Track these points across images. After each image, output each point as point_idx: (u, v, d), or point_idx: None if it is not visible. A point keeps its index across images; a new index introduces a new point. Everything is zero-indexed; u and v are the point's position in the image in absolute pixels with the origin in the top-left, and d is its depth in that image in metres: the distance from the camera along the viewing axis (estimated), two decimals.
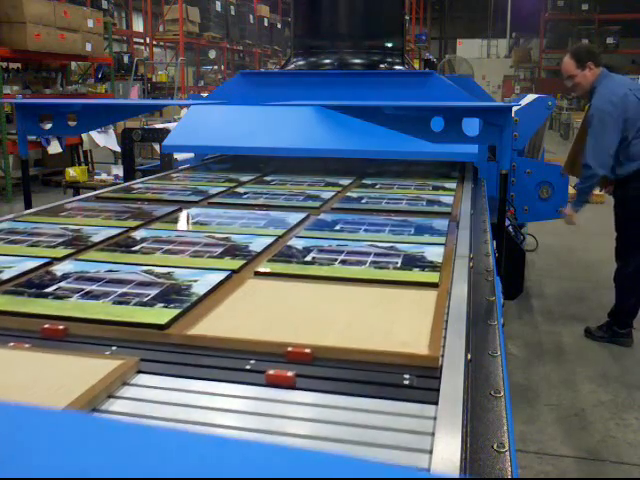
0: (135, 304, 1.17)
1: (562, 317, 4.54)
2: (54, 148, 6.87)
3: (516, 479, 0.78)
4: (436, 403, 0.84)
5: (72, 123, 2.48)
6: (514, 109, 2.23)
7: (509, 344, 3.98)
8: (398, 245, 1.62)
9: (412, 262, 1.46)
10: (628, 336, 3.95)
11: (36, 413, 0.44)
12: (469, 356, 1.01)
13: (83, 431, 0.42)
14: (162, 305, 1.16)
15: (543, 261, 5.84)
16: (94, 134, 6.18)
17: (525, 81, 22.47)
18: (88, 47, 9.25)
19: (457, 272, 1.40)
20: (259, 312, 1.16)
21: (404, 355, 0.96)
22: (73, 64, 11.53)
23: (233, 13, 17.34)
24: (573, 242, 6.46)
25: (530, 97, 3.93)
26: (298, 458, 0.38)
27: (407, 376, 0.92)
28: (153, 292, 1.24)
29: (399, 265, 1.44)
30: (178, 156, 3.63)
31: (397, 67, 3.70)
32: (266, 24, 19.65)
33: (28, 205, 2.32)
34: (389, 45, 3.73)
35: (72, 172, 5.61)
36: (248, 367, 0.95)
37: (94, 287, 1.27)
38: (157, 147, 4.54)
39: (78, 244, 1.63)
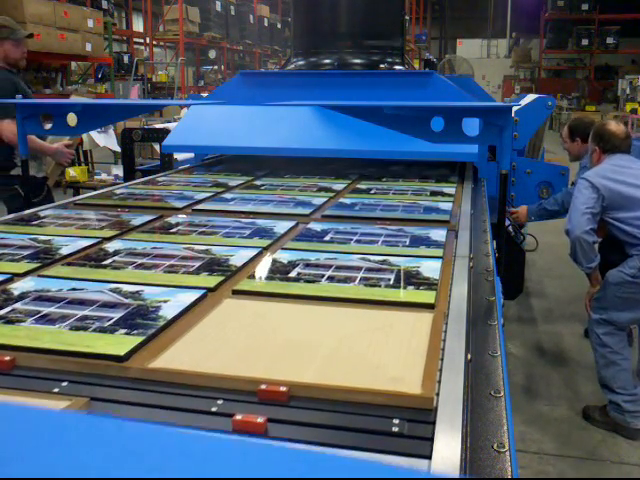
0: (94, 330, 1.05)
1: (562, 317, 4.54)
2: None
3: (516, 479, 0.78)
4: (429, 457, 0.73)
5: (72, 123, 2.48)
6: (514, 109, 2.23)
7: (509, 344, 3.98)
8: (392, 259, 1.49)
9: (406, 279, 1.34)
10: (628, 336, 3.96)
11: (36, 413, 0.44)
12: (469, 356, 1.01)
13: (83, 431, 0.42)
14: (124, 332, 1.04)
15: (543, 261, 5.84)
16: (94, 134, 6.17)
17: (525, 81, 22.48)
18: (88, 47, 9.26)
19: (455, 291, 1.27)
20: (233, 340, 1.04)
21: (393, 394, 0.85)
22: (73, 64, 11.54)
23: (233, 13, 17.36)
24: None
25: (530, 97, 3.93)
26: (298, 458, 0.38)
27: (396, 421, 0.80)
28: (117, 315, 1.12)
29: (392, 282, 1.32)
30: (178, 156, 3.63)
31: (397, 67, 3.70)
32: (266, 24, 19.66)
33: (28, 205, 2.32)
34: (389, 45, 3.73)
35: (72, 172, 5.61)
36: (214, 409, 0.84)
37: (52, 309, 1.15)
38: (157, 147, 4.54)
39: (45, 257, 1.51)
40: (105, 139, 6.34)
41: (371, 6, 3.67)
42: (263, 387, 0.86)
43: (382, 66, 3.64)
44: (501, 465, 0.80)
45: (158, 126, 4.47)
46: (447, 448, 0.73)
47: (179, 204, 2.22)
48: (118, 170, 5.58)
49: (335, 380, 0.88)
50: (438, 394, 0.84)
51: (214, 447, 0.39)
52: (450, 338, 1.03)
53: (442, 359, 0.95)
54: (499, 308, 1.39)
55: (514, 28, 24.77)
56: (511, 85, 21.78)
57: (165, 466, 0.37)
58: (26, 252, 1.56)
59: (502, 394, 0.97)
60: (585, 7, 19.58)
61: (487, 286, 1.52)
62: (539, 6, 21.14)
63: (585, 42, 19.93)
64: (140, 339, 1.01)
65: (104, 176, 5.95)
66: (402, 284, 1.31)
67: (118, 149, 6.22)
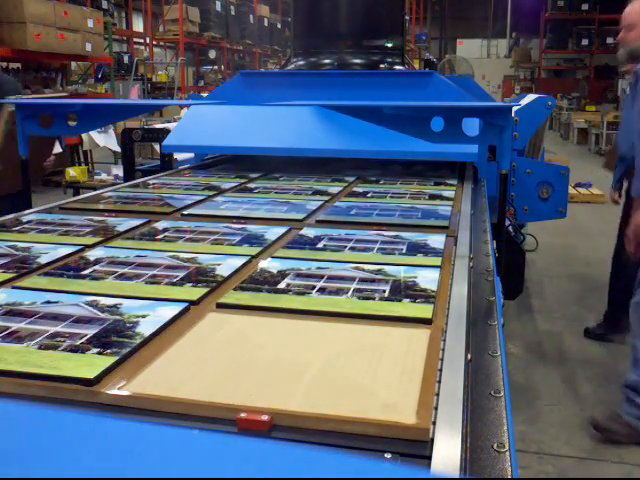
0: (64, 349, 0.97)
1: (562, 317, 4.55)
2: (55, 148, 6.87)
3: (516, 479, 0.78)
4: None
5: (72, 123, 2.48)
6: (514, 109, 2.23)
7: (509, 344, 3.99)
8: (387, 268, 1.43)
9: (402, 290, 1.28)
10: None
11: (36, 413, 0.44)
12: (469, 356, 1.01)
13: (83, 431, 0.42)
14: (97, 351, 0.96)
15: (543, 261, 5.85)
16: (94, 134, 6.18)
17: (525, 81, 22.49)
18: (88, 47, 9.27)
19: (454, 303, 1.20)
20: (213, 360, 0.98)
21: (384, 425, 0.78)
22: (73, 64, 11.56)
23: (233, 13, 17.37)
24: (573, 241, 6.47)
25: (530, 97, 3.93)
26: (298, 457, 0.38)
27: (388, 456, 0.75)
28: (91, 332, 1.04)
29: (386, 294, 1.25)
30: (178, 156, 3.62)
31: (397, 67, 3.70)
32: (266, 24, 19.68)
33: (28, 205, 2.32)
34: (389, 45, 3.74)
35: (72, 172, 5.62)
36: None
37: (22, 325, 1.07)
38: (157, 147, 4.54)
39: (21, 267, 1.44)
40: (105, 139, 6.35)
41: (371, 6, 3.67)
42: (243, 415, 0.79)
43: (382, 66, 3.65)
44: (501, 465, 0.80)
45: (158, 126, 4.47)
46: (447, 448, 0.73)
47: (168, 208, 2.15)
48: (118, 170, 5.59)
49: (322, 407, 0.82)
50: (435, 423, 0.78)
51: (214, 447, 0.39)
52: (450, 338, 1.03)
53: (439, 381, 0.89)
54: (499, 308, 1.39)
55: (514, 28, 24.78)
56: (511, 85, 21.79)
57: (165, 466, 0.37)
58: (2, 261, 1.49)
59: (502, 394, 0.97)
60: (585, 7, 19.56)
61: (487, 286, 1.52)
62: (539, 6, 21.13)
63: (585, 42, 19.92)
64: (113, 359, 0.94)
65: (104, 176, 5.96)
66: (398, 296, 1.25)
67: (118, 149, 6.23)
